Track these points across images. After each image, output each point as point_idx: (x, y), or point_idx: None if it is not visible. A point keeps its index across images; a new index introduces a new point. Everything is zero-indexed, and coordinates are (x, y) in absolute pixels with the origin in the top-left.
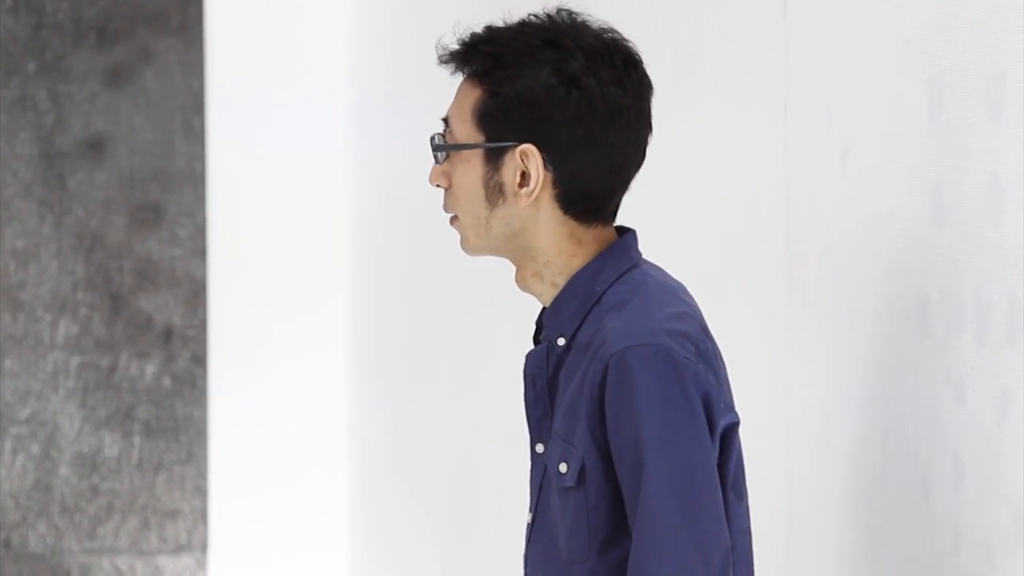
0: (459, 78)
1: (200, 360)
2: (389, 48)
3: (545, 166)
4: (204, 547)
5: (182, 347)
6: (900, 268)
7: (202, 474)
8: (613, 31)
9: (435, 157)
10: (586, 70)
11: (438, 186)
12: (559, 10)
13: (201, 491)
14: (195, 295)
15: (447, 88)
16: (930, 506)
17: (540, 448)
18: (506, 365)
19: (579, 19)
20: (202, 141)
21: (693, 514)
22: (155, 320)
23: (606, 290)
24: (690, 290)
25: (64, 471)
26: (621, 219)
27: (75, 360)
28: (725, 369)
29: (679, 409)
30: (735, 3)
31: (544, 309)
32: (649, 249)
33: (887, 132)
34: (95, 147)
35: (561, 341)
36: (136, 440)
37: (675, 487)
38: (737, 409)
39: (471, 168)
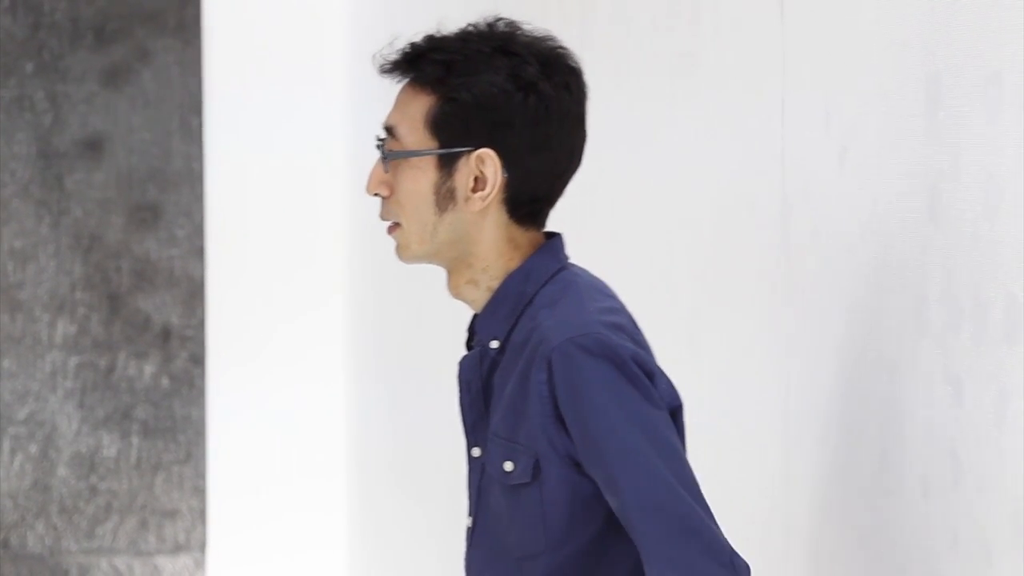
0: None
1: (198, 360)
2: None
3: (502, 170)
4: (202, 547)
5: (180, 347)
6: (897, 267)
7: (200, 474)
8: (553, 38)
9: (384, 165)
10: (540, 75)
11: (376, 195)
12: (497, 19)
13: (199, 491)
14: (193, 295)
15: None
16: (928, 505)
17: (477, 452)
18: None
19: (518, 28)
20: (200, 141)
21: (683, 480)
22: (153, 320)
23: (537, 291)
24: (689, 287)
25: (62, 471)
26: (623, 220)
27: (73, 360)
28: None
29: (630, 391)
30: (732, 2)
31: (476, 315)
32: (647, 249)
33: (885, 131)
34: (93, 147)
35: (495, 344)
36: (134, 440)
37: (651, 468)
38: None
39: (422, 174)
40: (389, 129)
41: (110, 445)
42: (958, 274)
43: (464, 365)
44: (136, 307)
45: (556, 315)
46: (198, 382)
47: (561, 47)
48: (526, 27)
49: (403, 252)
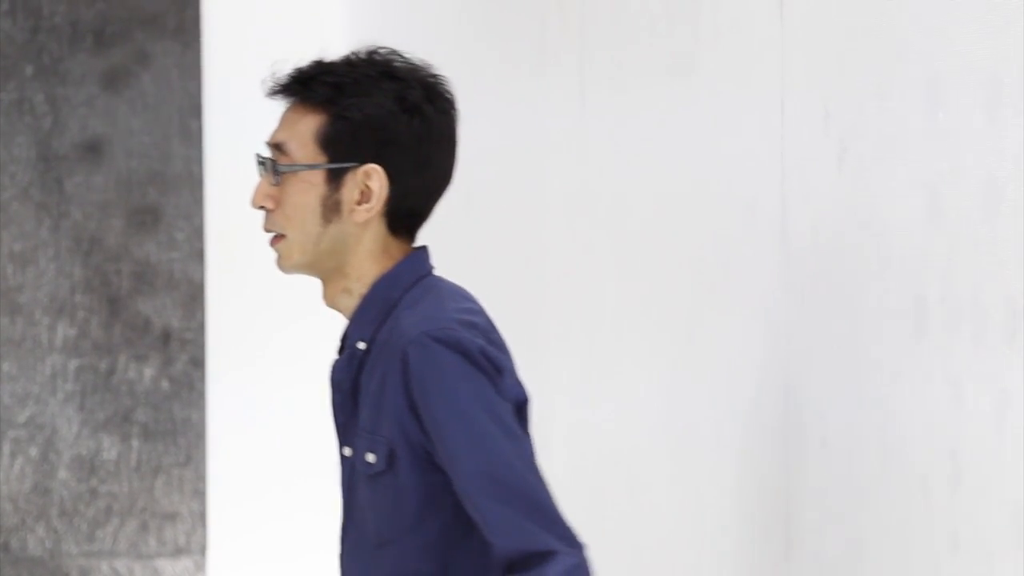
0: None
1: (198, 363)
2: None
3: (388, 185)
4: (203, 550)
5: (180, 350)
6: (897, 268)
7: (201, 477)
8: (430, 66)
9: (273, 179)
10: (424, 99)
11: (262, 207)
12: (377, 48)
13: (200, 494)
14: (193, 298)
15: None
16: (928, 507)
17: (348, 451)
18: None
19: (397, 55)
20: (200, 144)
21: (526, 462)
22: (153, 323)
23: (403, 295)
24: (689, 288)
25: (63, 474)
26: (623, 220)
27: (73, 363)
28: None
29: (478, 379)
30: (732, 3)
31: (349, 323)
32: (647, 249)
33: (884, 132)
34: (93, 150)
35: (362, 345)
36: (135, 443)
37: (496, 447)
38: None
39: (311, 188)
40: (277, 146)
41: (110, 448)
42: (958, 275)
43: (336, 367)
44: (136, 310)
45: (415, 313)
46: (198, 385)
47: (439, 75)
48: (403, 55)
49: (284, 262)
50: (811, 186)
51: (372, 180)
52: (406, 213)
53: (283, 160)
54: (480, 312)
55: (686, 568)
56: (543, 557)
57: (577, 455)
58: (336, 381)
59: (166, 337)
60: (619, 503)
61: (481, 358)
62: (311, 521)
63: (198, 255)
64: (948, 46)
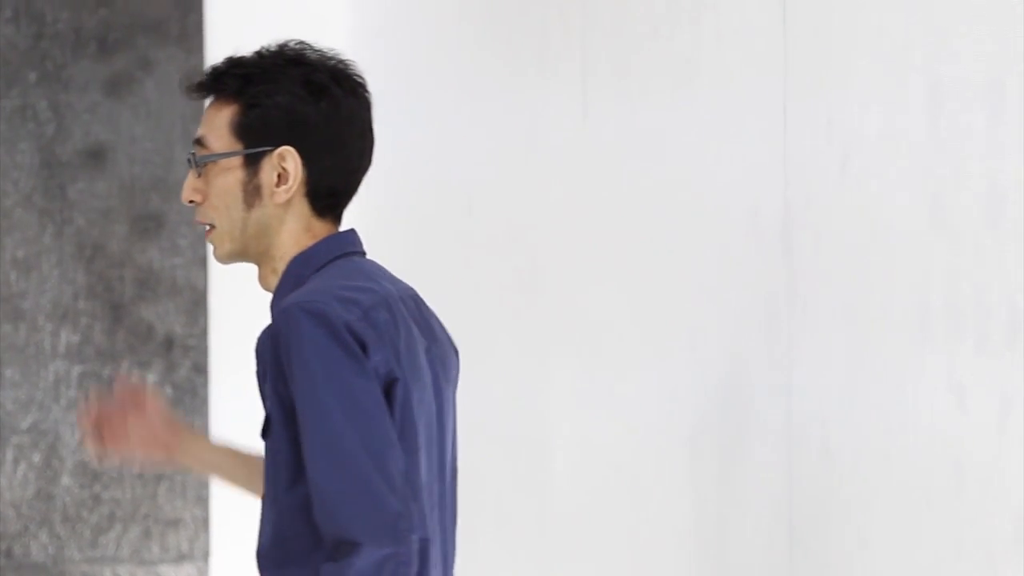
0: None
1: (201, 369)
2: (387, 60)
3: (302, 165)
4: (206, 556)
5: (183, 356)
6: (900, 274)
7: (203, 483)
8: (340, 54)
9: (197, 172)
10: (330, 82)
11: (191, 202)
12: (287, 41)
13: (203, 500)
14: (196, 304)
15: (447, 101)
16: (931, 512)
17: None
18: (506, 370)
19: (308, 46)
20: None
21: (368, 446)
22: (156, 329)
23: (312, 274)
24: (691, 295)
25: (66, 480)
26: (625, 227)
27: (76, 369)
28: (421, 356)
29: (338, 356)
30: (734, 9)
31: None
32: (650, 256)
33: (887, 138)
34: (95, 156)
35: None
36: None
37: (337, 427)
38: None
39: (231, 175)
40: (199, 140)
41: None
42: (960, 282)
43: (258, 340)
44: (139, 316)
45: (304, 288)
46: (201, 391)
47: (347, 60)
48: (313, 46)
49: (218, 251)
50: (813, 192)
51: (287, 161)
52: (326, 192)
53: (204, 152)
54: (378, 293)
55: (688, 574)
56: (350, 548)
57: (578, 460)
58: (258, 353)
59: (169, 343)
60: (620, 508)
61: (344, 332)
62: None
63: (201, 261)
64: (950, 52)
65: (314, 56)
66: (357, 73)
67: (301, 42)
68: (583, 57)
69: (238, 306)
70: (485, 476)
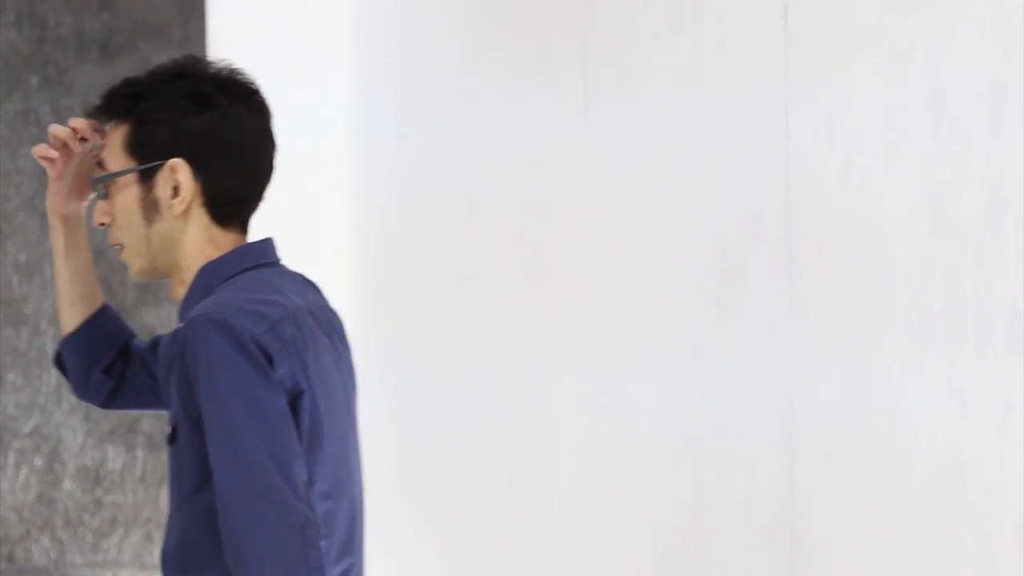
0: None
1: None
2: (391, 62)
3: (194, 176)
4: None
5: None
6: (901, 278)
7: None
8: (233, 65)
9: (102, 194)
10: (215, 92)
11: (102, 224)
12: (183, 57)
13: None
14: None
15: (449, 104)
16: (932, 517)
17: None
18: (508, 374)
19: (200, 60)
20: None
21: (274, 455)
22: (158, 333)
23: (220, 284)
24: (693, 299)
25: (67, 484)
26: (627, 231)
27: None
28: (329, 368)
29: (245, 368)
30: (735, 13)
31: None
32: (651, 261)
33: (888, 143)
34: None
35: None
36: (139, 453)
37: (244, 438)
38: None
39: (129, 192)
40: (100, 164)
41: (115, 458)
42: (962, 286)
43: (162, 345)
44: (141, 320)
45: (212, 300)
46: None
47: (238, 71)
48: (204, 60)
49: (131, 269)
50: (815, 195)
51: (178, 174)
52: (224, 201)
53: (98, 174)
54: (285, 306)
55: None
56: (238, 567)
57: (580, 464)
58: (165, 359)
59: None
60: (622, 513)
61: (251, 345)
62: None
63: None
64: (951, 55)
65: (199, 68)
66: (246, 81)
67: (191, 56)
68: (584, 60)
69: None
70: (486, 477)
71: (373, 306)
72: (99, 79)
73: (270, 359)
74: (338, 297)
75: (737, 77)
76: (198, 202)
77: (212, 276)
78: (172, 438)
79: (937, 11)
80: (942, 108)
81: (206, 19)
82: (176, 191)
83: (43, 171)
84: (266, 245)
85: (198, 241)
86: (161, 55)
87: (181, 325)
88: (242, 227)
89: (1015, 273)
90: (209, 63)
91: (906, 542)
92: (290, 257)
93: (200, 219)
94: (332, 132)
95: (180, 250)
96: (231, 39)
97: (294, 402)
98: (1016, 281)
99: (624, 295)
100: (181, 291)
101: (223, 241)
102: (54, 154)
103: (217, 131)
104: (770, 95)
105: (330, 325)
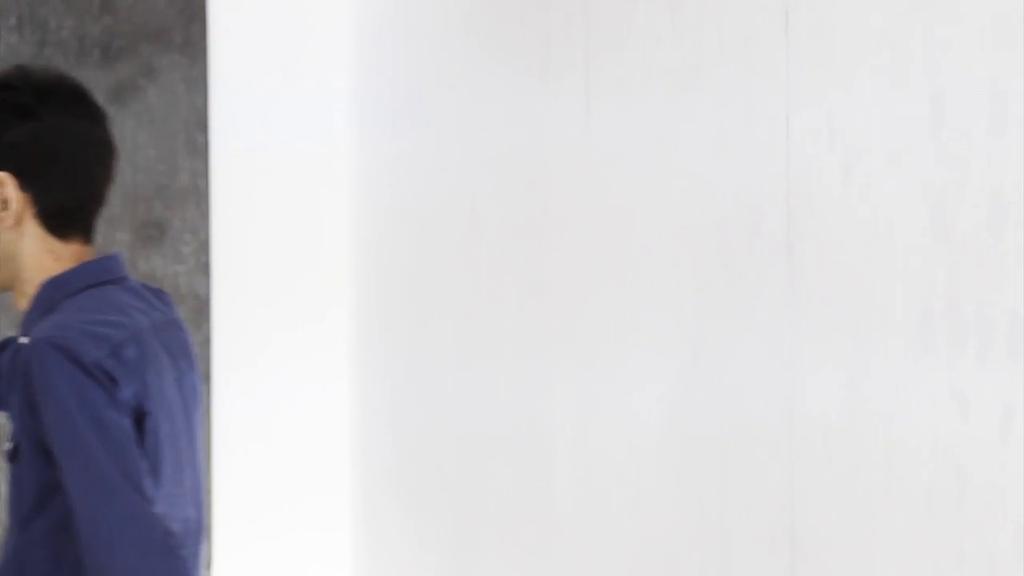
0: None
1: (204, 376)
2: (390, 67)
3: (22, 189)
4: (208, 563)
5: None
6: (902, 283)
7: (206, 490)
8: (59, 72)
9: None
10: (35, 101)
11: None
12: (9, 67)
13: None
14: (199, 311)
15: (450, 106)
16: (932, 522)
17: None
18: (510, 376)
19: (27, 69)
20: (205, 157)
21: (123, 468)
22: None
23: (63, 300)
24: (693, 303)
25: None
26: (627, 235)
27: None
28: (171, 388)
29: (89, 389)
30: (736, 18)
31: None
32: (651, 265)
33: (889, 147)
34: None
35: (24, 340)
36: None
37: (94, 455)
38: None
39: None
40: None
41: None
42: (963, 290)
43: (3, 359)
44: None
45: (52, 321)
46: (203, 398)
47: (63, 77)
48: (32, 69)
49: None
50: (816, 200)
51: (5, 187)
52: (56, 211)
53: None
54: (127, 327)
55: None
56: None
57: (579, 463)
58: (5, 372)
59: None
60: (623, 514)
61: (94, 368)
62: (315, 534)
63: (204, 269)
64: (953, 60)
65: (21, 79)
66: (71, 88)
67: (16, 66)
68: (586, 63)
69: (241, 313)
70: (487, 479)
71: (376, 317)
72: (100, 83)
73: (114, 381)
74: (338, 298)
75: (738, 78)
76: (29, 214)
77: (54, 293)
78: (13, 456)
79: (938, 16)
80: (943, 112)
81: (207, 22)
82: (5, 204)
83: None
84: (112, 261)
85: (35, 253)
86: (162, 59)
87: (23, 341)
88: (83, 236)
89: (1016, 278)
90: (33, 73)
91: (906, 546)
92: (290, 258)
93: (34, 231)
94: (332, 133)
95: (18, 263)
96: (232, 42)
97: (139, 422)
98: (1017, 285)
99: (625, 297)
100: (24, 303)
101: (63, 252)
102: None
103: (40, 142)
104: (771, 97)
105: (174, 342)
